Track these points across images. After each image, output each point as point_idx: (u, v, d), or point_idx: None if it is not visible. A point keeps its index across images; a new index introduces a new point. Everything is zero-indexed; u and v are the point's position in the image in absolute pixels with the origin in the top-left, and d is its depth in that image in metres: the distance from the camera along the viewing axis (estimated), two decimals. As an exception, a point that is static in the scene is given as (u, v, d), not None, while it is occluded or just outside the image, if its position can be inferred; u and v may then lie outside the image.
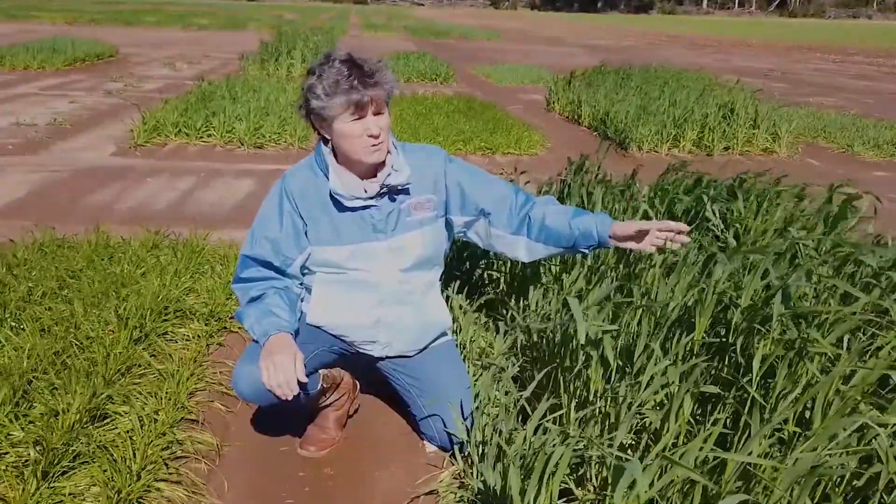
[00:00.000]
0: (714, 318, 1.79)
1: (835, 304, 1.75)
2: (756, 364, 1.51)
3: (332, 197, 1.79)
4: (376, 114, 1.70)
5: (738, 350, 1.63)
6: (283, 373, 1.64)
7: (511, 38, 24.69)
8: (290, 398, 1.66)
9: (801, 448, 1.36)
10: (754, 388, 1.48)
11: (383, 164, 1.81)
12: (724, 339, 1.76)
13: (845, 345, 1.64)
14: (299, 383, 1.66)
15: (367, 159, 1.73)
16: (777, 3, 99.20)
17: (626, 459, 1.50)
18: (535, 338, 2.12)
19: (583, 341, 1.58)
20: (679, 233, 1.77)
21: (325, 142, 1.80)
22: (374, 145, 1.71)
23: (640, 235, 1.79)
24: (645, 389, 1.59)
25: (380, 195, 1.80)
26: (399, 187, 1.81)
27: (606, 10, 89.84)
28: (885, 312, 1.78)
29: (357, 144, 1.71)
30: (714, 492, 1.33)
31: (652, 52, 19.55)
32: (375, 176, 1.81)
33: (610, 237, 1.83)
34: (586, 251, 1.92)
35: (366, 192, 1.78)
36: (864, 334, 1.71)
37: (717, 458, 1.35)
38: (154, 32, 19.88)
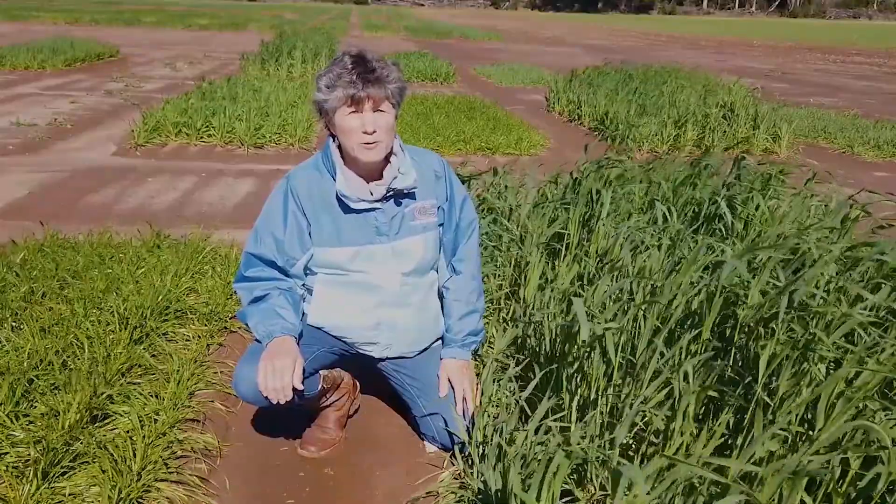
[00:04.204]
0: (719, 317, 1.78)
1: (845, 304, 1.74)
2: (763, 364, 1.51)
3: (337, 198, 1.78)
4: (376, 111, 1.70)
5: (745, 348, 1.63)
6: (279, 378, 1.64)
7: (512, 38, 24.69)
8: (283, 402, 1.67)
9: (805, 449, 1.35)
10: (759, 389, 1.47)
11: (389, 165, 1.81)
12: (728, 338, 1.75)
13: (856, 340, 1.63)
14: (295, 389, 1.66)
15: (361, 157, 1.72)
16: (777, 3, 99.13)
17: (624, 463, 1.50)
18: (535, 336, 2.12)
19: (585, 338, 1.57)
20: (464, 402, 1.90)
21: (335, 140, 1.80)
22: (367, 143, 1.70)
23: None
24: (646, 388, 1.59)
25: (385, 198, 1.80)
26: (405, 191, 1.81)
27: (607, 11, 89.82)
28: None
29: (353, 140, 1.70)
30: (717, 492, 1.33)
31: (652, 52, 19.55)
32: (381, 178, 1.80)
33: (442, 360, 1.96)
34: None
35: (371, 194, 1.78)
36: (870, 335, 1.70)
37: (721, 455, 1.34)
38: (155, 32, 19.88)
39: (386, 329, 1.88)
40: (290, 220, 1.80)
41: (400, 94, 1.74)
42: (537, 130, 6.75)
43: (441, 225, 1.92)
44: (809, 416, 1.52)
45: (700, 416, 1.66)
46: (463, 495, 1.76)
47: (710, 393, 1.56)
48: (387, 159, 1.80)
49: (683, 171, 2.99)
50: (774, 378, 1.56)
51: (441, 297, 2.00)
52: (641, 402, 1.56)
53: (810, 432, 1.45)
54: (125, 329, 2.35)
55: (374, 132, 1.69)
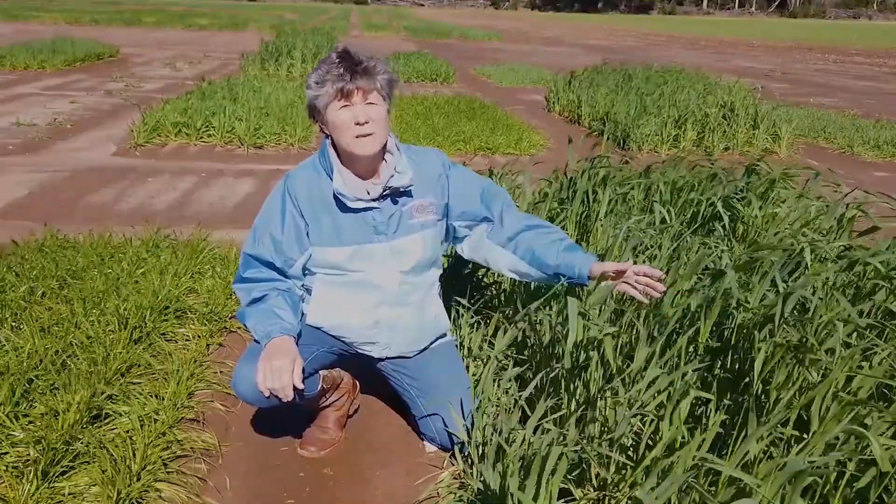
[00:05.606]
0: (716, 319, 1.78)
1: (843, 305, 1.74)
2: (757, 366, 1.51)
3: (335, 197, 1.79)
4: (366, 104, 1.71)
5: (741, 352, 1.63)
6: (278, 378, 1.64)
7: (511, 38, 24.69)
8: (282, 402, 1.67)
9: (798, 451, 1.36)
10: (754, 392, 1.47)
11: (385, 164, 1.81)
12: (724, 341, 1.75)
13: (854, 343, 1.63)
14: (295, 389, 1.66)
15: (356, 150, 1.73)
16: (777, 3, 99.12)
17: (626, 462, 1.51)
18: (535, 336, 2.12)
19: (572, 343, 1.58)
20: (656, 279, 1.74)
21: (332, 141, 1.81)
22: (360, 135, 1.70)
23: (618, 276, 1.77)
24: (645, 391, 1.59)
25: (382, 197, 1.80)
26: (401, 189, 1.81)
27: (607, 11, 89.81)
28: (892, 314, 1.77)
29: (346, 134, 1.71)
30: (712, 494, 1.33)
31: (652, 52, 19.55)
32: (378, 177, 1.81)
33: (588, 276, 1.81)
34: (566, 282, 1.87)
35: (368, 193, 1.78)
36: (865, 338, 1.71)
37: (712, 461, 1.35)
38: (155, 32, 19.89)
39: (385, 328, 1.88)
40: (288, 221, 1.81)
41: (389, 86, 1.76)
42: (537, 130, 6.76)
43: (443, 221, 1.92)
44: (804, 415, 1.52)
45: (695, 418, 1.66)
46: (463, 495, 1.76)
47: (707, 395, 1.56)
48: (383, 158, 1.81)
49: (686, 177, 2.98)
50: (770, 379, 1.56)
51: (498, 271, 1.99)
52: (640, 406, 1.56)
53: (804, 435, 1.45)
54: (125, 329, 2.35)
55: (367, 123, 1.70)
